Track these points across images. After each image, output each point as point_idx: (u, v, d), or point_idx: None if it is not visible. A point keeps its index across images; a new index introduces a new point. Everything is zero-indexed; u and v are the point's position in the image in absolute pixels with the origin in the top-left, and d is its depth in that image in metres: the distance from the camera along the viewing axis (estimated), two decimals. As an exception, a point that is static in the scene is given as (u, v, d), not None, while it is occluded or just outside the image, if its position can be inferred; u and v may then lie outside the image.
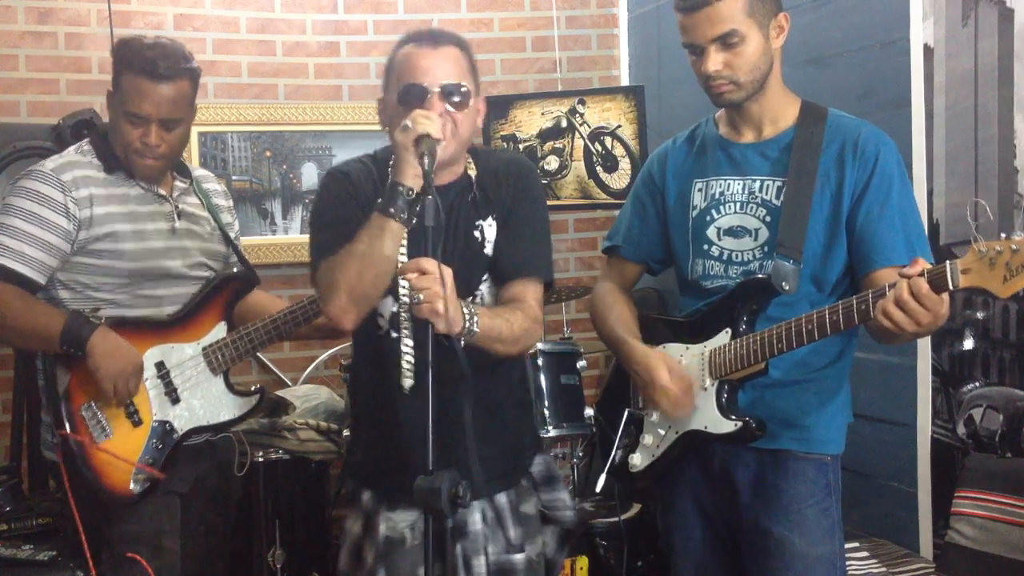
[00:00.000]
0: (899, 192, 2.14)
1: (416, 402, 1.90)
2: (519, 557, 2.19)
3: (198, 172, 2.76)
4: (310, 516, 3.49)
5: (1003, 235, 1.78)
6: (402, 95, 2.04)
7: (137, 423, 2.46)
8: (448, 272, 1.85)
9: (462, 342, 1.94)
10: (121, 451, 2.43)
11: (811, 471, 2.19)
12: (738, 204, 2.24)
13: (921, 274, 1.83)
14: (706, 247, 2.27)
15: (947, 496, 2.82)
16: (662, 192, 2.38)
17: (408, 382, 2.02)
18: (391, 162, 2.00)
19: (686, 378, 2.20)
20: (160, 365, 2.50)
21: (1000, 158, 2.76)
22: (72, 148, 2.57)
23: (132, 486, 2.43)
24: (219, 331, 2.59)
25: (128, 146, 2.48)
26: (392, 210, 1.90)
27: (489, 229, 2.17)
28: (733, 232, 2.24)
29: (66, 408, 2.40)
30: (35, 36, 3.86)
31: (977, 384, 2.86)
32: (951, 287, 1.80)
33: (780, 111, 2.23)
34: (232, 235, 2.74)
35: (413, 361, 2.02)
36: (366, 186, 2.12)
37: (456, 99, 2.04)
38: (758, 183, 2.22)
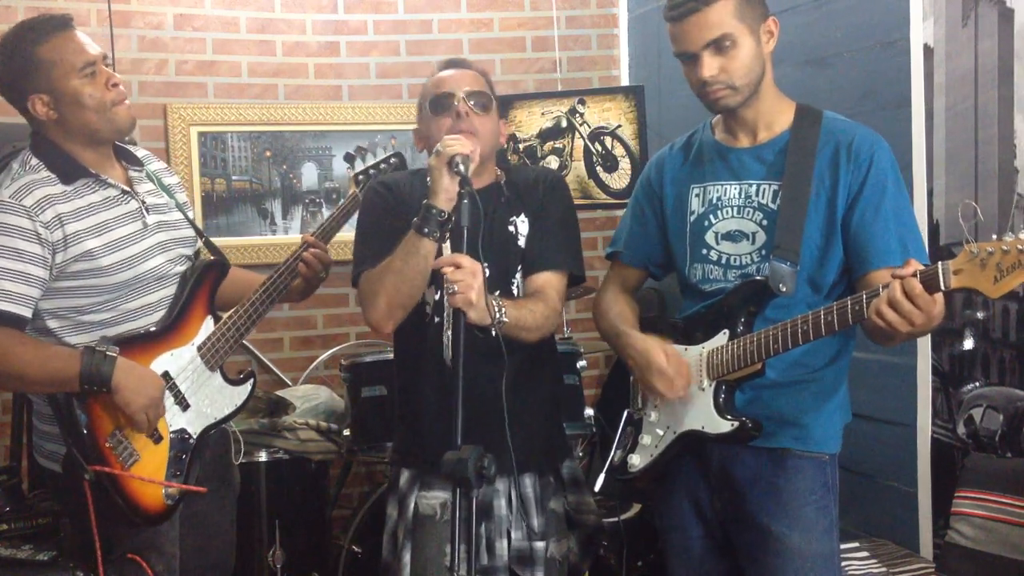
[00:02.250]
0: (893, 194, 2.15)
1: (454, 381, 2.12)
2: (539, 545, 2.33)
3: (139, 152, 2.62)
4: (310, 516, 3.49)
5: (995, 236, 1.79)
6: (432, 104, 2.34)
7: (157, 440, 2.40)
8: (478, 266, 2.06)
9: (494, 332, 2.14)
10: (149, 471, 2.37)
11: (810, 469, 2.20)
12: (735, 209, 2.25)
13: (914, 274, 1.84)
14: (704, 251, 2.28)
15: (947, 496, 2.82)
16: (660, 198, 2.39)
17: (448, 353, 2.21)
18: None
19: (683, 362, 2.21)
20: (166, 375, 2.43)
21: (1000, 158, 2.76)
22: (15, 165, 2.38)
23: (166, 501, 2.40)
24: (208, 327, 2.54)
25: (103, 106, 2.35)
26: (426, 230, 2.13)
27: (522, 224, 2.41)
28: (731, 236, 2.25)
29: (91, 442, 2.31)
30: (35, 36, 3.86)
31: (977, 384, 2.86)
32: (943, 287, 1.82)
33: (775, 115, 2.24)
34: (189, 214, 2.64)
35: (452, 336, 2.19)
36: (409, 196, 2.36)
37: (480, 103, 2.34)
38: (754, 187, 2.23)
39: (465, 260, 2.05)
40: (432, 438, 2.30)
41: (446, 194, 2.12)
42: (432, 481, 2.32)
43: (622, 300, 2.45)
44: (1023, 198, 2.71)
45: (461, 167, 2.11)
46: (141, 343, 2.42)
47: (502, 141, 2.46)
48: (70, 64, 2.33)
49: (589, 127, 3.97)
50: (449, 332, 2.21)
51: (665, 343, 2.25)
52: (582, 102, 3.99)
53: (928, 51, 2.96)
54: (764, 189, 2.22)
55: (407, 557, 2.32)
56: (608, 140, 3.95)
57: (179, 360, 2.47)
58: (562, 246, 2.42)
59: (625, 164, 3.93)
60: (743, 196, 2.24)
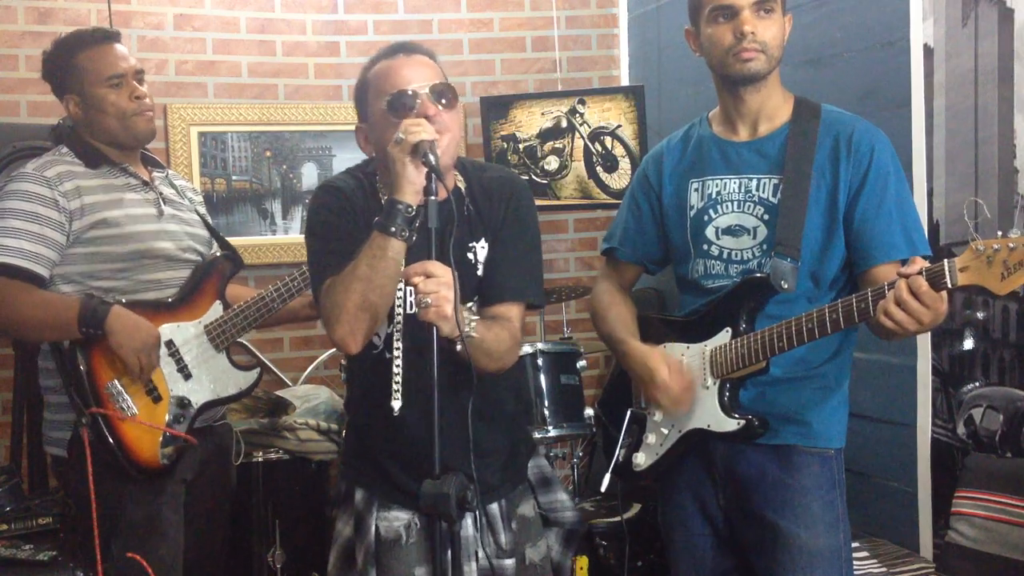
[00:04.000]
0: (895, 187, 2.15)
1: (408, 417, 1.91)
2: (509, 562, 2.16)
3: (169, 171, 2.85)
4: (310, 516, 3.49)
5: (1000, 233, 1.79)
6: (392, 104, 2.00)
7: (156, 399, 2.54)
8: (449, 273, 1.83)
9: (458, 347, 1.91)
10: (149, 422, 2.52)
11: (815, 465, 2.20)
12: (735, 203, 2.24)
13: (920, 272, 1.84)
14: (706, 247, 2.28)
15: (947, 496, 2.82)
16: (658, 193, 2.38)
17: (397, 404, 1.92)
18: (378, 178, 2.05)
19: (686, 374, 2.21)
20: (170, 343, 2.58)
21: (1000, 158, 2.76)
22: (47, 154, 2.61)
23: (161, 460, 2.51)
24: (216, 310, 2.69)
25: (123, 114, 2.57)
26: (393, 229, 1.86)
27: (481, 251, 2.14)
28: (732, 231, 2.24)
29: (91, 387, 2.47)
30: (35, 36, 3.86)
31: (977, 384, 2.86)
32: (949, 285, 1.82)
33: (776, 108, 2.24)
34: (209, 222, 2.84)
35: (401, 382, 1.93)
36: (359, 201, 2.08)
37: (446, 99, 2.02)
38: (755, 182, 2.23)
39: (437, 268, 1.80)
40: (388, 464, 2.15)
41: (412, 187, 1.85)
42: (391, 500, 2.13)
43: (619, 300, 2.44)
44: (1023, 198, 2.71)
45: (431, 156, 1.84)
46: (148, 309, 2.57)
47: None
48: (100, 73, 2.57)
49: (589, 127, 3.97)
50: (398, 380, 1.91)
51: (667, 355, 2.24)
52: (582, 102, 3.99)
53: (928, 51, 2.96)
54: (764, 183, 2.21)
55: None
56: (608, 140, 3.95)
57: (184, 332, 2.62)
58: (523, 274, 2.15)
59: (625, 164, 3.93)
60: (743, 190, 2.23)
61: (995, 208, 2.77)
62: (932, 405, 2.99)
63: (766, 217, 2.20)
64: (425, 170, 1.85)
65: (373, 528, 2.13)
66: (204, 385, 2.62)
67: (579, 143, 4.00)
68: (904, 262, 2.10)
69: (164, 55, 4.06)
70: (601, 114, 3.95)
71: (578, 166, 4.01)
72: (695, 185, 2.30)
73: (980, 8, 2.80)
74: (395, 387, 1.92)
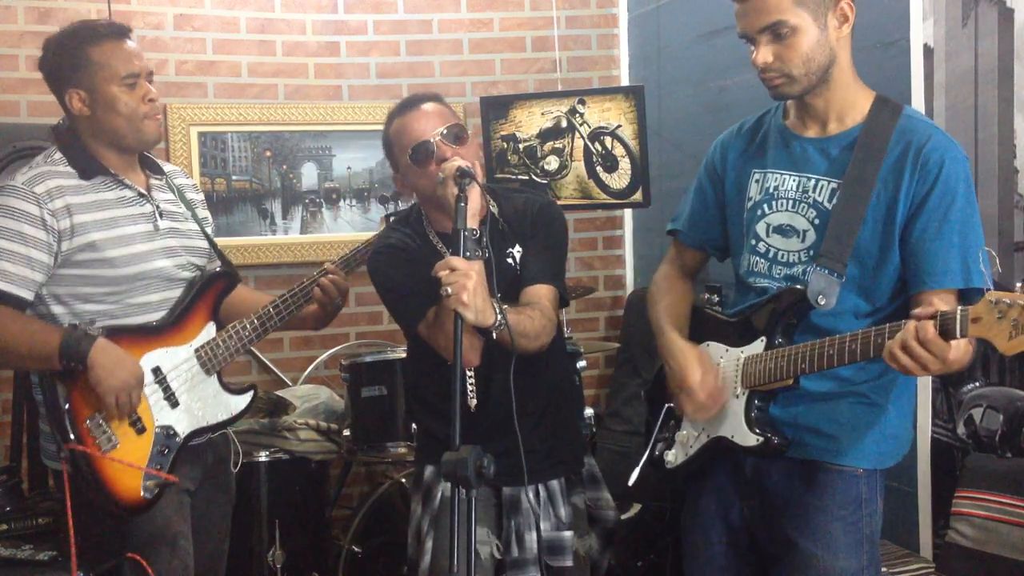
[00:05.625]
0: (962, 209, 2.00)
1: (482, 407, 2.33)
2: (567, 534, 2.40)
3: (167, 167, 2.70)
4: (310, 516, 3.49)
5: (1020, 284, 1.73)
6: (412, 156, 2.35)
7: (140, 431, 2.42)
8: (474, 267, 2.05)
9: (494, 335, 2.16)
10: (129, 459, 2.39)
11: (839, 484, 2.13)
12: (790, 202, 2.15)
13: (933, 317, 1.74)
14: (754, 242, 2.19)
15: (947, 496, 2.82)
16: (722, 180, 2.30)
17: (474, 402, 2.33)
18: (425, 217, 2.44)
19: (716, 385, 2.15)
20: (157, 371, 2.46)
21: (1000, 158, 2.76)
22: (40, 158, 2.47)
23: (143, 493, 2.40)
24: (209, 332, 2.56)
25: (135, 116, 2.43)
26: (468, 254, 2.10)
27: (518, 255, 2.45)
28: (782, 230, 2.15)
29: (71, 421, 2.35)
30: (35, 36, 3.85)
31: (977, 384, 2.86)
32: (959, 335, 1.72)
33: (847, 107, 2.11)
34: (209, 230, 2.69)
35: (475, 380, 2.35)
36: (414, 246, 2.43)
37: (456, 138, 2.34)
38: (813, 182, 2.12)
39: (459, 262, 2.04)
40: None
41: (469, 211, 2.13)
42: None
43: (676, 289, 2.38)
44: (1023, 198, 2.71)
45: (463, 166, 2.15)
46: (136, 335, 2.46)
47: (481, 155, 2.51)
48: (115, 70, 2.44)
49: (589, 127, 3.97)
50: (471, 380, 2.32)
51: (705, 358, 2.18)
52: (582, 102, 3.98)
53: (928, 51, 2.96)
54: (822, 185, 2.10)
55: (429, 543, 2.38)
56: (608, 140, 3.95)
57: (173, 358, 2.49)
58: (549, 263, 2.43)
59: (625, 164, 3.93)
60: (800, 189, 2.13)
61: (995, 208, 2.77)
62: (932, 405, 2.99)
63: (817, 222, 2.10)
64: (473, 193, 2.14)
65: (439, 495, 2.40)
66: (192, 413, 2.50)
67: (579, 143, 3.99)
68: (961, 292, 1.99)
69: (164, 55, 4.06)
70: (601, 114, 3.95)
71: (578, 166, 4.01)
72: (756, 176, 2.21)
73: (980, 8, 2.80)
74: (470, 387, 2.33)
